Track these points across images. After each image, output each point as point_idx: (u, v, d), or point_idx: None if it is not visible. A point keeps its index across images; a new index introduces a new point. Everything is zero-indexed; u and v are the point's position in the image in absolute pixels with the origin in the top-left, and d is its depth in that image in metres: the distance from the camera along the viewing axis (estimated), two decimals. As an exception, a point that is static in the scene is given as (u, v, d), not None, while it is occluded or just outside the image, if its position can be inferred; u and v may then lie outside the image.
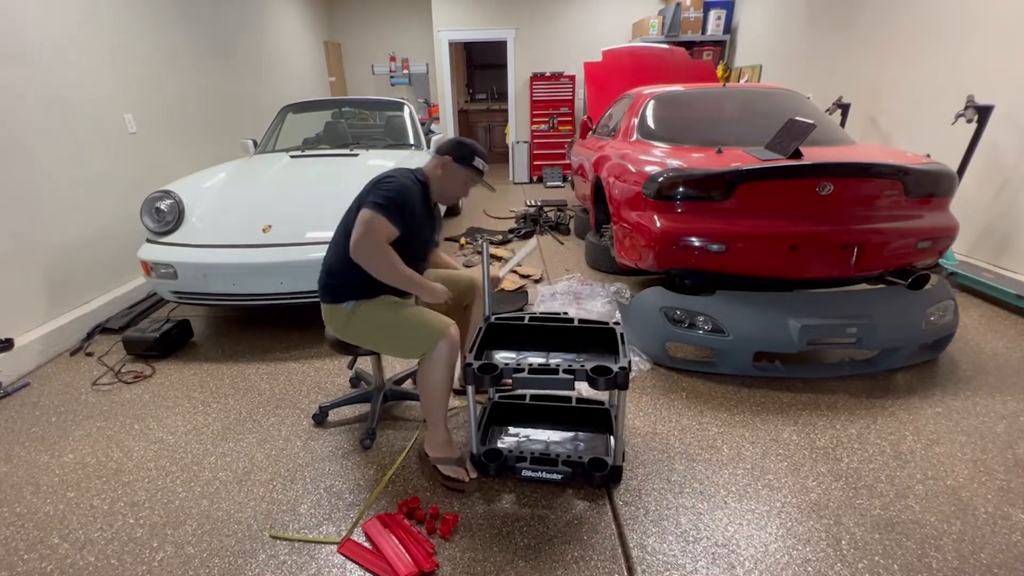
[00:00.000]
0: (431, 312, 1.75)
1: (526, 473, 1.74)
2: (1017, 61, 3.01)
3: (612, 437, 1.80)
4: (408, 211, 1.70)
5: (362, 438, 1.99)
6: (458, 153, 1.80)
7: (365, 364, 2.45)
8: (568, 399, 2.04)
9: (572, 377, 1.59)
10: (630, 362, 1.62)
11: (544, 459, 1.76)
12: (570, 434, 1.96)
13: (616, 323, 1.83)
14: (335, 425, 2.12)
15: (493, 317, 1.93)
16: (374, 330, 1.76)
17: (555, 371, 1.61)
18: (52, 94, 2.91)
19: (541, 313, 1.99)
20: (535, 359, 1.80)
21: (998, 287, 2.96)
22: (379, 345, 1.82)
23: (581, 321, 1.88)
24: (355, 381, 2.37)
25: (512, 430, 2.00)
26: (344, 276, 1.76)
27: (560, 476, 1.72)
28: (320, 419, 2.14)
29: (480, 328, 1.84)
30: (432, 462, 1.81)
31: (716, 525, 1.58)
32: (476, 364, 1.63)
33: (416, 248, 1.81)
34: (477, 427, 1.79)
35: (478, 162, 1.82)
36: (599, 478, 1.70)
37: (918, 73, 3.67)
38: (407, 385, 2.34)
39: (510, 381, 1.62)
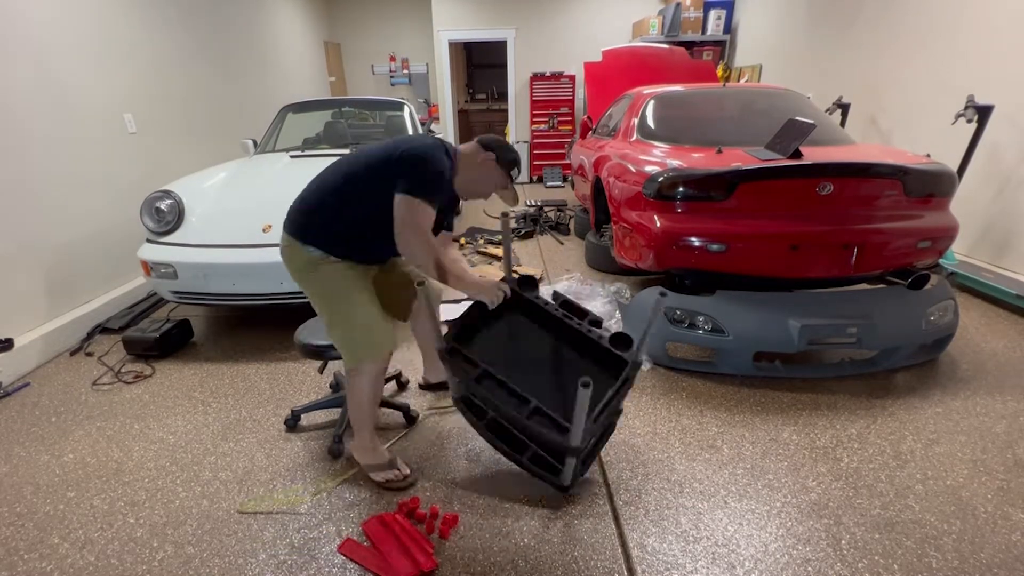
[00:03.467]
0: (382, 323, 1.67)
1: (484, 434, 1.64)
2: (1017, 61, 3.01)
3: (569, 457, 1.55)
4: (444, 189, 1.61)
5: (330, 445, 1.95)
6: (504, 156, 1.69)
7: (339, 366, 2.41)
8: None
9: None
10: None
11: (508, 435, 1.64)
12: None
13: (634, 362, 1.60)
14: (335, 425, 2.12)
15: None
16: (324, 299, 1.66)
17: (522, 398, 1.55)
18: (52, 94, 2.91)
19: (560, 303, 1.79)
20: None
21: (998, 287, 2.96)
22: (321, 315, 1.71)
23: (590, 330, 1.70)
24: (335, 386, 2.34)
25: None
26: (320, 221, 1.63)
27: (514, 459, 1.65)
28: (292, 424, 2.11)
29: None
30: (364, 470, 1.79)
31: (716, 525, 1.58)
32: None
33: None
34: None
35: (515, 172, 1.74)
36: (548, 478, 1.64)
37: (918, 73, 3.67)
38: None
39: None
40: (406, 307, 1.98)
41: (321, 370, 2.35)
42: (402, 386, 2.39)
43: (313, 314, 2.09)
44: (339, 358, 1.86)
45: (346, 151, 3.56)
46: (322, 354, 1.87)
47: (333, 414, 2.18)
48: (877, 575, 1.40)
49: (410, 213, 1.52)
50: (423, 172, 1.55)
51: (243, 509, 1.68)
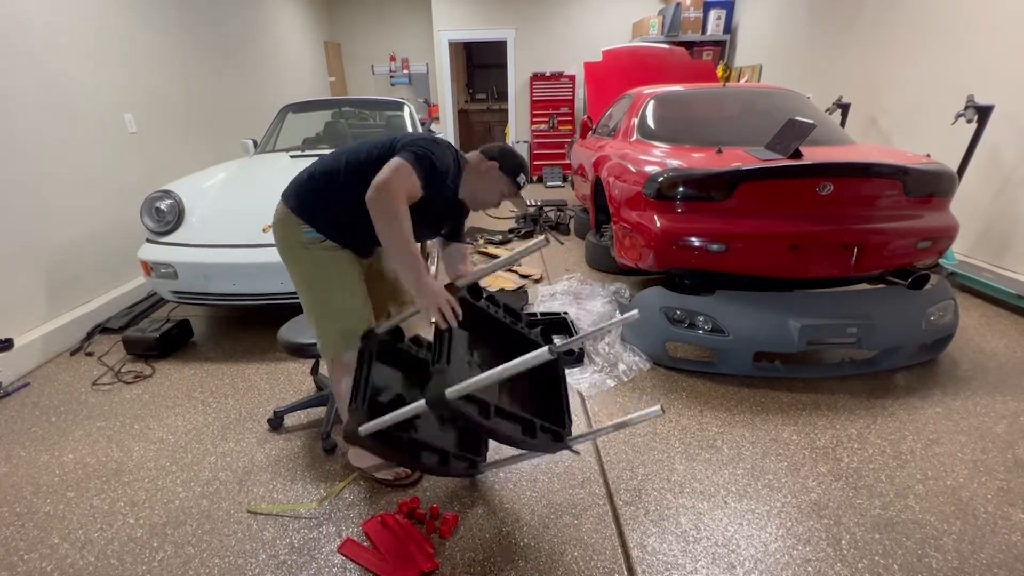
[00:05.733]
0: (364, 312, 1.64)
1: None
2: (1017, 61, 3.01)
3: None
4: (438, 176, 1.53)
5: (322, 444, 1.95)
6: (508, 164, 1.65)
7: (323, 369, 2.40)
8: None
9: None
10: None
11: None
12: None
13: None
14: (335, 424, 2.12)
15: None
16: (307, 280, 1.62)
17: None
18: (52, 94, 2.91)
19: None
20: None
21: (998, 287, 2.96)
22: (302, 297, 1.67)
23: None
24: (319, 386, 2.33)
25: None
26: (323, 203, 1.60)
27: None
28: (276, 424, 2.10)
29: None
30: (367, 472, 1.78)
31: (716, 525, 1.58)
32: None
33: (422, 222, 1.57)
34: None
35: (522, 179, 1.68)
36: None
37: (918, 73, 3.67)
38: None
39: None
40: (385, 303, 1.87)
41: (313, 371, 2.35)
42: None
43: (296, 314, 2.09)
44: None
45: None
46: (305, 351, 1.86)
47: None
48: (877, 575, 1.40)
49: (393, 169, 1.43)
50: (422, 150, 1.50)
51: (252, 509, 1.69)
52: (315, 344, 1.78)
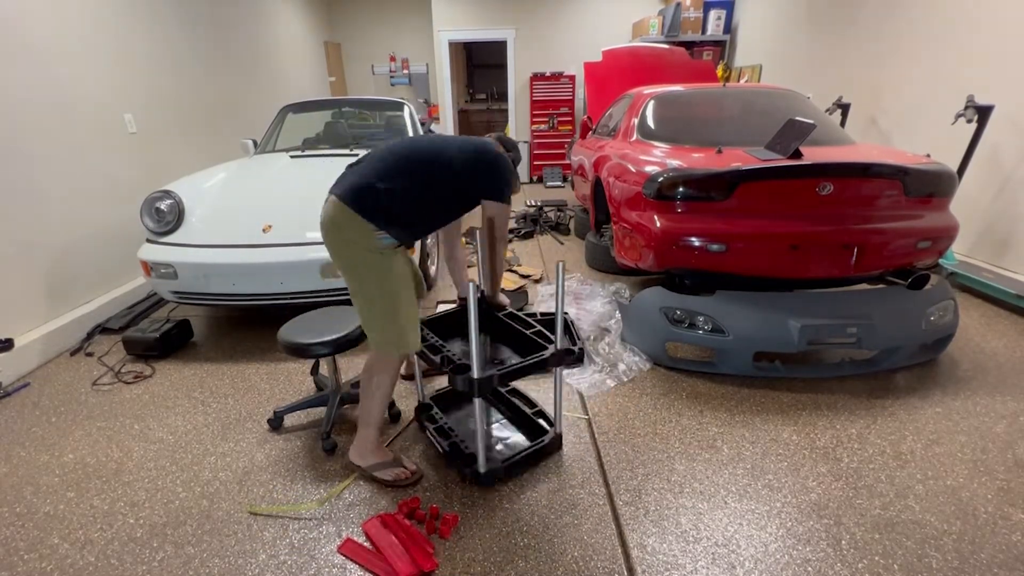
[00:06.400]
0: (417, 319, 1.72)
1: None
2: (1017, 61, 3.01)
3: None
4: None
5: (322, 444, 1.96)
6: (516, 159, 1.95)
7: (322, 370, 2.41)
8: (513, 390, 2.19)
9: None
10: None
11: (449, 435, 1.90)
12: (506, 424, 2.08)
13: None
14: (335, 424, 2.12)
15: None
16: (378, 287, 1.62)
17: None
18: (52, 94, 2.91)
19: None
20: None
21: (998, 287, 2.96)
22: (368, 299, 1.65)
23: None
24: (319, 386, 2.33)
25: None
26: (417, 211, 1.66)
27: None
28: (276, 424, 2.11)
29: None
30: (368, 471, 1.78)
31: (716, 525, 1.58)
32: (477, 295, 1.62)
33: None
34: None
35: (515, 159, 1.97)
36: (469, 473, 1.77)
37: (918, 73, 3.67)
38: None
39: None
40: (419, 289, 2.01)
41: (313, 371, 2.35)
42: None
43: (296, 314, 2.10)
44: (325, 354, 1.89)
45: (346, 151, 3.56)
46: (305, 351, 1.87)
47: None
48: (877, 575, 1.40)
49: (506, 220, 1.84)
50: (508, 182, 1.80)
51: (252, 510, 1.69)
52: (315, 344, 1.85)
